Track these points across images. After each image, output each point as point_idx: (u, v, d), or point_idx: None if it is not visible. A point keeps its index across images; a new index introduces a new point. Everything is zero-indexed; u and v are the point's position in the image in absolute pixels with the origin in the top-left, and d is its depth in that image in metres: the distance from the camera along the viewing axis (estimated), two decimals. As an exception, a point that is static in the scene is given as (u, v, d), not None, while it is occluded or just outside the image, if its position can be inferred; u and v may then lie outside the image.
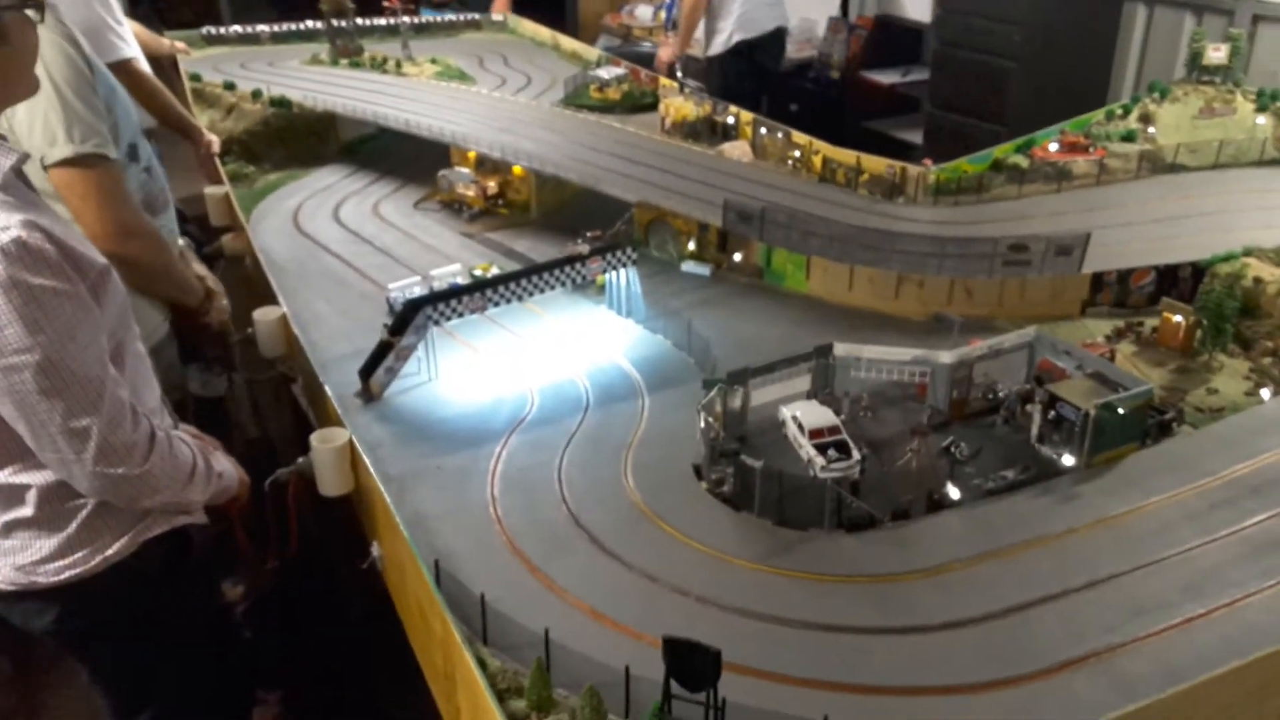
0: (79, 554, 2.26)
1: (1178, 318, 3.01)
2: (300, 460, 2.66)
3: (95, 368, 2.03)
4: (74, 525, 2.23)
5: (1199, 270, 3.26)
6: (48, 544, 2.24)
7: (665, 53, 6.87)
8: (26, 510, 2.20)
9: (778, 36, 7.01)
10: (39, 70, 2.70)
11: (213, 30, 6.30)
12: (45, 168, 2.77)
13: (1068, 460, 2.52)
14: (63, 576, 2.26)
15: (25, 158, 2.11)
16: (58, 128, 2.74)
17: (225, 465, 2.48)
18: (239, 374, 3.72)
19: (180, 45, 5.75)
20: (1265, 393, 2.81)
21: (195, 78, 5.27)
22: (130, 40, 4.43)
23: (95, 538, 2.26)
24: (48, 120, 2.74)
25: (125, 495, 2.15)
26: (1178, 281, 3.29)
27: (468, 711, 2.03)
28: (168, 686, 2.58)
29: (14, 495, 2.20)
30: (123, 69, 4.13)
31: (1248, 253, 3.24)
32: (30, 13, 2.07)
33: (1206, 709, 1.82)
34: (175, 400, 3.17)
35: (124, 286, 2.25)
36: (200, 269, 3.45)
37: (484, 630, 2.01)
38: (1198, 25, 5.97)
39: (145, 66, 4.49)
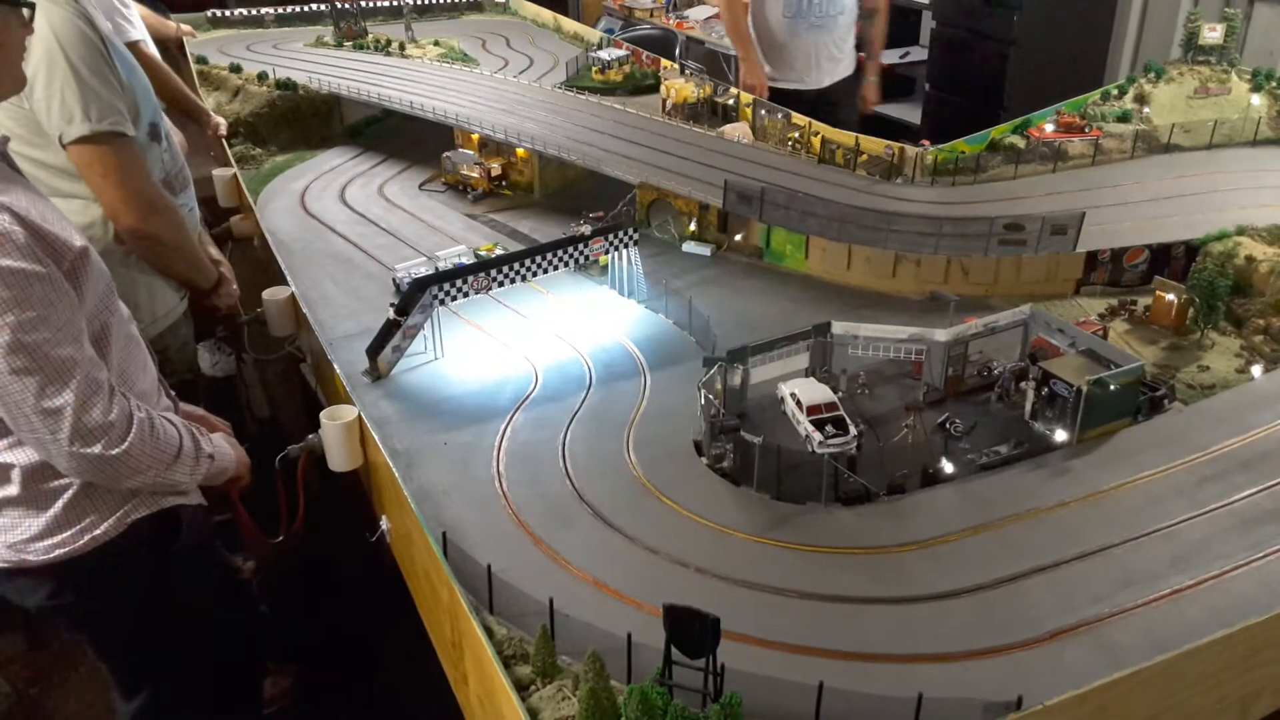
0: (66, 533, 2.25)
1: (1170, 296, 3.00)
2: (310, 437, 2.68)
3: (68, 348, 2.02)
4: (59, 505, 2.23)
5: (1192, 249, 3.27)
6: (35, 523, 2.23)
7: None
8: (12, 489, 2.20)
9: None
10: (55, 49, 2.73)
11: (218, 13, 6.31)
12: (63, 145, 2.79)
13: (1060, 436, 2.54)
14: (52, 555, 2.26)
15: (5, 141, 2.12)
16: (75, 106, 2.75)
17: (221, 446, 2.46)
18: (248, 354, 3.75)
19: (186, 28, 5.76)
20: (1256, 369, 2.80)
21: (201, 60, 5.28)
22: (137, 23, 4.45)
23: (81, 517, 2.25)
24: (65, 99, 2.75)
25: (105, 475, 2.14)
26: (1171, 260, 3.29)
27: (475, 678, 2.06)
28: (165, 664, 2.59)
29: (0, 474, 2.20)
30: (130, 52, 4.14)
31: (1240, 231, 3.25)
32: (24, 11, 2.08)
33: (1193, 676, 1.84)
34: (187, 380, 3.21)
35: (107, 269, 2.23)
36: (215, 253, 3.47)
37: (490, 599, 2.03)
38: (1194, 6, 5.97)
39: (152, 49, 4.50)
